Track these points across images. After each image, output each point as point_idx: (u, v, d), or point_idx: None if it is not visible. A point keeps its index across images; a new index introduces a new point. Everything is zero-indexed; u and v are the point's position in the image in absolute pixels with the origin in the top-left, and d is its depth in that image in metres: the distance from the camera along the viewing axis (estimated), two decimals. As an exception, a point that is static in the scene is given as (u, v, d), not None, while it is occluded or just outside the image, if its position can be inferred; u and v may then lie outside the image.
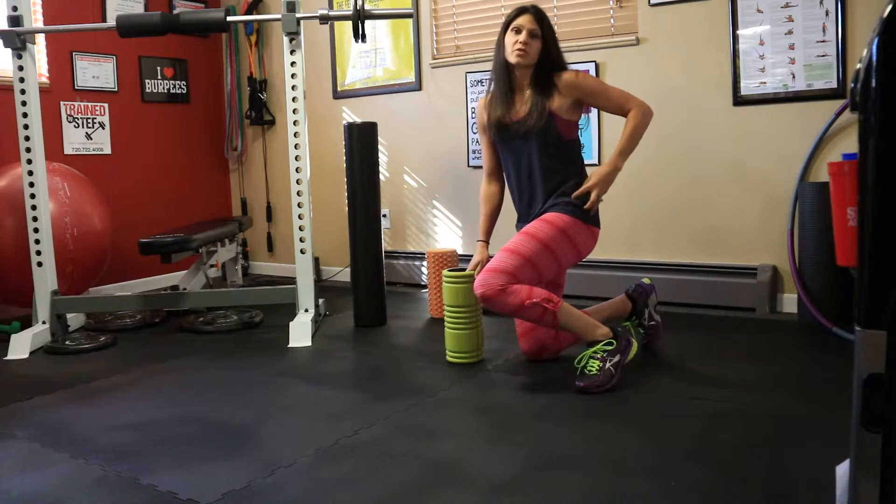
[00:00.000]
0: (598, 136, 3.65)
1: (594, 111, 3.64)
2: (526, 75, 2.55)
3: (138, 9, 4.43)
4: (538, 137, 2.51)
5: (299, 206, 3.18)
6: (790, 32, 3.13)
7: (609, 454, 1.79)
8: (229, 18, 3.05)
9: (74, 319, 3.44)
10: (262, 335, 3.23)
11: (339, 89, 4.55)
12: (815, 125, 3.11)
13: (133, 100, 4.47)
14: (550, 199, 2.53)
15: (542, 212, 2.54)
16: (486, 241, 2.71)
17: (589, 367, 2.31)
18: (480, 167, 3.90)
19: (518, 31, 2.49)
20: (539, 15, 2.52)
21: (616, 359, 2.31)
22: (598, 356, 2.32)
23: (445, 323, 2.64)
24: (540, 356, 2.61)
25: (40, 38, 3.98)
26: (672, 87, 3.44)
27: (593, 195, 2.46)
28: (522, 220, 2.65)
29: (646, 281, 2.77)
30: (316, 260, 4.48)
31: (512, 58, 2.50)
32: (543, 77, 2.53)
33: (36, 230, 3.17)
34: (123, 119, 4.41)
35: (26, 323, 3.33)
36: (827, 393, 2.17)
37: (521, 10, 2.53)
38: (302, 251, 3.20)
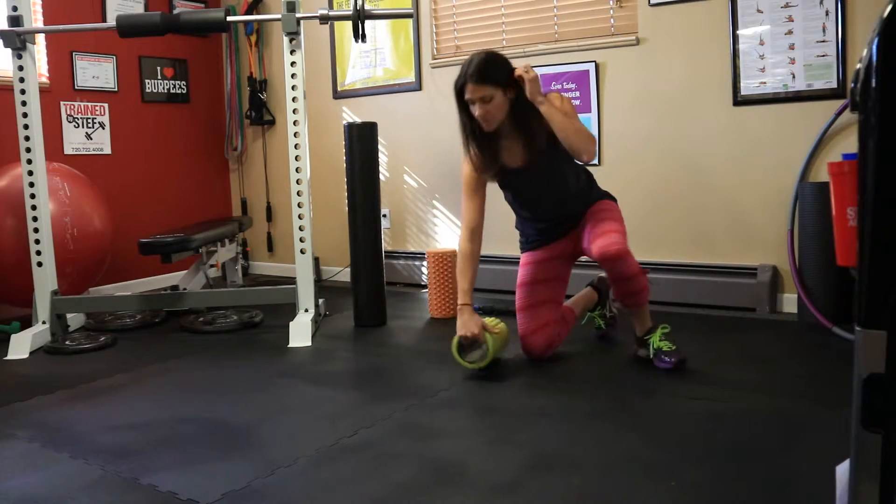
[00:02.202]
0: (597, 135, 3.65)
1: (594, 110, 3.64)
2: (502, 124, 2.45)
3: (138, 9, 4.43)
4: (552, 168, 2.48)
5: (299, 206, 3.18)
6: (790, 32, 3.13)
7: (609, 454, 1.79)
8: (229, 18, 3.05)
9: (74, 319, 3.44)
10: (262, 335, 3.23)
11: (339, 89, 4.55)
12: (815, 125, 3.11)
13: (133, 100, 4.47)
14: (582, 206, 2.60)
15: (583, 212, 2.61)
16: (471, 304, 2.56)
17: (668, 347, 2.46)
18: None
19: (472, 102, 2.38)
20: (479, 77, 2.33)
21: None
22: (668, 338, 2.49)
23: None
24: (545, 354, 2.61)
25: (40, 38, 3.98)
26: (672, 87, 3.44)
27: (526, 74, 2.36)
28: (545, 240, 2.65)
29: (605, 275, 2.90)
30: (316, 260, 4.48)
31: (484, 127, 2.42)
32: (523, 116, 2.42)
33: (36, 230, 3.17)
34: (123, 119, 4.41)
35: (26, 323, 3.33)
36: (827, 393, 2.17)
37: (463, 79, 2.37)
38: (302, 251, 3.20)
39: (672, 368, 2.43)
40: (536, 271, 2.65)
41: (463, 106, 2.44)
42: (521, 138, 2.45)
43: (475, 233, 2.59)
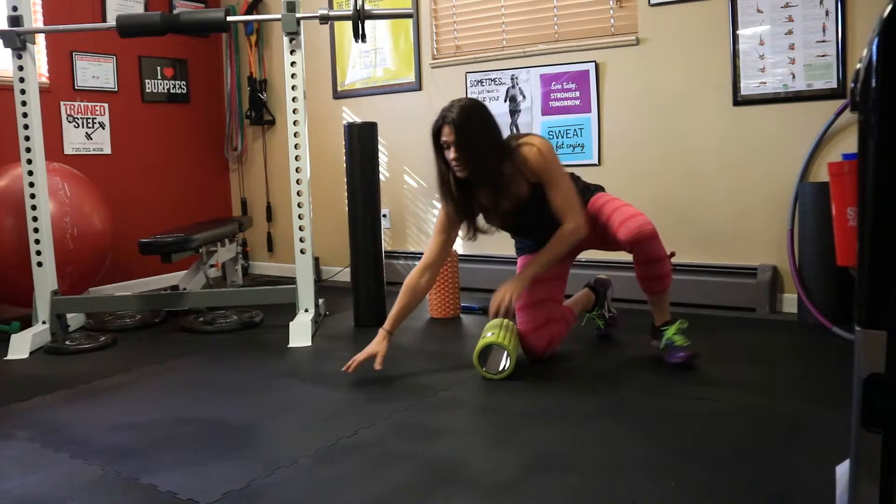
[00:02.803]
0: (598, 135, 3.65)
1: (594, 110, 3.63)
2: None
3: (138, 9, 4.43)
4: (539, 202, 2.44)
5: (299, 206, 3.18)
6: (790, 32, 3.13)
7: (609, 454, 1.79)
8: (229, 18, 3.05)
9: (74, 319, 3.44)
10: (262, 335, 3.23)
11: (339, 89, 4.55)
12: (815, 125, 3.11)
13: (133, 100, 4.47)
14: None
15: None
16: (391, 333, 2.52)
17: (682, 342, 2.49)
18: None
19: (447, 146, 2.32)
20: (458, 123, 2.27)
21: None
22: (683, 333, 2.52)
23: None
24: (545, 353, 2.59)
25: (40, 38, 3.98)
26: (672, 87, 3.44)
27: (505, 301, 2.37)
28: (542, 245, 2.60)
29: (602, 276, 2.99)
30: (316, 260, 4.48)
31: (457, 172, 2.35)
32: (496, 172, 2.35)
33: (36, 230, 3.17)
34: (123, 119, 4.41)
35: (26, 323, 3.32)
36: (827, 393, 2.17)
37: (442, 121, 2.32)
38: (302, 251, 3.20)
39: (683, 363, 2.44)
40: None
41: (440, 151, 2.37)
42: (499, 188, 2.38)
43: (429, 269, 2.53)
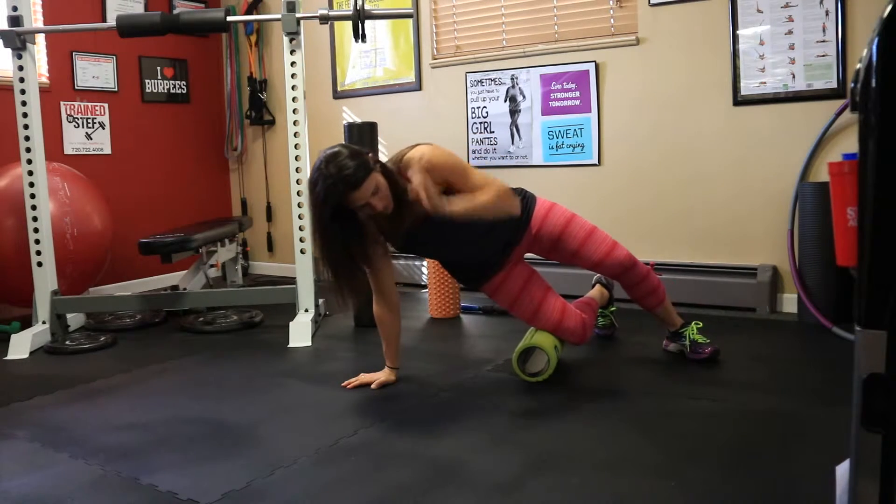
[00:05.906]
0: (598, 135, 3.65)
1: (594, 110, 3.63)
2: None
3: (138, 9, 4.43)
4: (437, 224, 2.25)
5: (299, 206, 3.18)
6: (790, 32, 3.13)
7: (609, 454, 1.79)
8: (229, 18, 3.05)
9: (74, 319, 3.44)
10: (262, 335, 3.23)
11: (339, 89, 4.55)
12: (815, 125, 3.11)
13: (133, 100, 4.47)
14: (499, 243, 2.39)
15: (505, 251, 2.41)
16: (397, 368, 2.45)
17: (703, 339, 2.54)
18: (479, 167, 3.89)
19: (362, 207, 2.10)
20: (356, 181, 2.06)
21: None
22: (702, 332, 2.58)
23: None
24: (584, 335, 2.47)
25: (40, 38, 3.98)
26: (672, 87, 3.44)
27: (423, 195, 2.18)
28: (473, 282, 2.52)
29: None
30: (316, 260, 4.48)
31: (385, 210, 2.17)
32: (397, 186, 2.21)
33: (36, 230, 3.17)
34: (123, 119, 4.40)
35: (26, 323, 3.32)
36: (827, 393, 2.17)
37: (341, 192, 2.04)
38: (302, 251, 3.20)
39: (708, 358, 2.50)
40: (511, 288, 2.46)
41: (338, 221, 2.10)
42: (401, 207, 2.22)
43: (383, 295, 2.39)
